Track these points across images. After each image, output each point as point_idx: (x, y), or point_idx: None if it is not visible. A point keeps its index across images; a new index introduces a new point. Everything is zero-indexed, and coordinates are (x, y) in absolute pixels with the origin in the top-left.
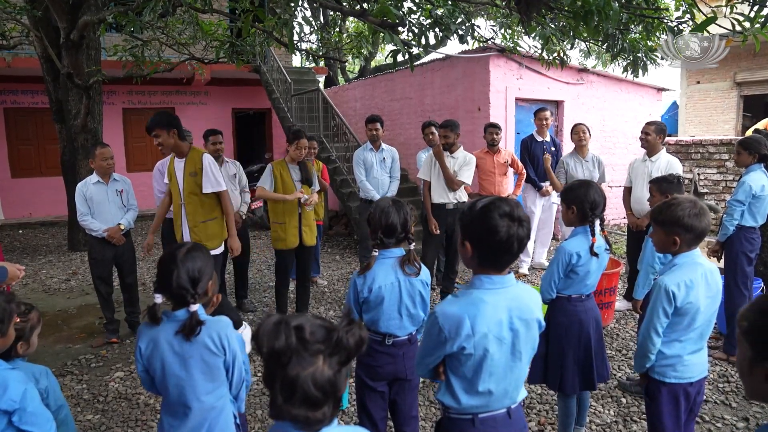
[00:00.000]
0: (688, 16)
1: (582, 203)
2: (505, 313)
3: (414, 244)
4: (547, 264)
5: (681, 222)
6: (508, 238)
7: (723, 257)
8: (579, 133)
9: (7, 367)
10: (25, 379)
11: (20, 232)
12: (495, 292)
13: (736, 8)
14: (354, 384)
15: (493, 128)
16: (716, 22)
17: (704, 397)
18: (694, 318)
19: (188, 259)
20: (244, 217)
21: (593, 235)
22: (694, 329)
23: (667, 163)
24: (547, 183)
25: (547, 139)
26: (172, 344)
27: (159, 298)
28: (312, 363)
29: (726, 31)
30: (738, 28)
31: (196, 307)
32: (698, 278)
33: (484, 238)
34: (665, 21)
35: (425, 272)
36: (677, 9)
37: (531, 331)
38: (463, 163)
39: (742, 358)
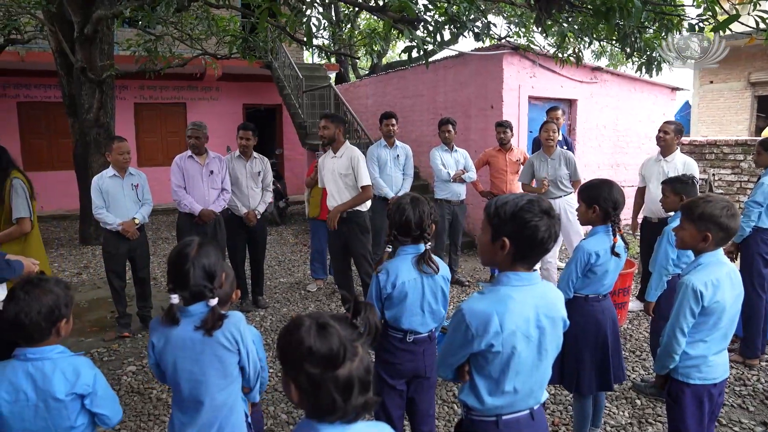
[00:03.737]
0: (709, 13)
1: (605, 202)
2: (532, 310)
3: (431, 243)
4: (559, 263)
5: (717, 220)
6: (549, 236)
7: (739, 259)
8: (546, 131)
9: (71, 354)
10: (92, 364)
11: None
12: (522, 289)
13: (760, 5)
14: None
15: (500, 127)
16: (739, 19)
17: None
18: (719, 318)
19: (202, 255)
20: (258, 217)
21: (614, 235)
22: (719, 329)
23: (683, 164)
24: None
25: (559, 137)
26: (185, 339)
27: (176, 299)
28: (356, 352)
29: (748, 29)
30: (762, 26)
31: (215, 302)
32: (724, 277)
33: (525, 235)
34: (686, 19)
35: (445, 268)
36: (698, 6)
37: (556, 329)
38: (348, 164)
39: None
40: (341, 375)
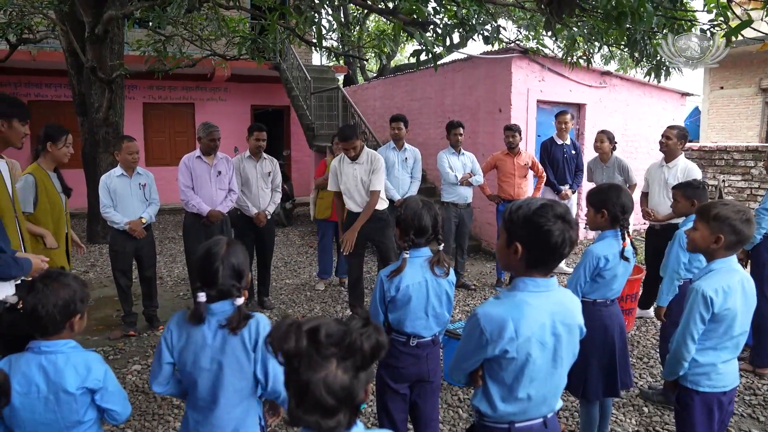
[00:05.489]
0: (721, 18)
1: (614, 206)
2: (548, 317)
3: (443, 244)
4: (566, 269)
5: (730, 222)
6: (563, 242)
7: (749, 267)
8: (597, 141)
9: (83, 349)
10: (103, 360)
11: None
12: (539, 295)
13: None
14: (374, 385)
15: (509, 131)
16: (751, 25)
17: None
18: (730, 326)
19: (231, 255)
20: (269, 217)
21: (623, 239)
22: (731, 338)
23: (684, 170)
24: (566, 186)
25: (568, 142)
26: (206, 337)
27: (203, 297)
28: (324, 367)
29: (761, 34)
30: None
31: (241, 301)
32: (735, 285)
33: (538, 240)
34: (697, 24)
35: (450, 272)
36: (710, 11)
37: (573, 337)
38: (370, 168)
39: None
40: (300, 378)
